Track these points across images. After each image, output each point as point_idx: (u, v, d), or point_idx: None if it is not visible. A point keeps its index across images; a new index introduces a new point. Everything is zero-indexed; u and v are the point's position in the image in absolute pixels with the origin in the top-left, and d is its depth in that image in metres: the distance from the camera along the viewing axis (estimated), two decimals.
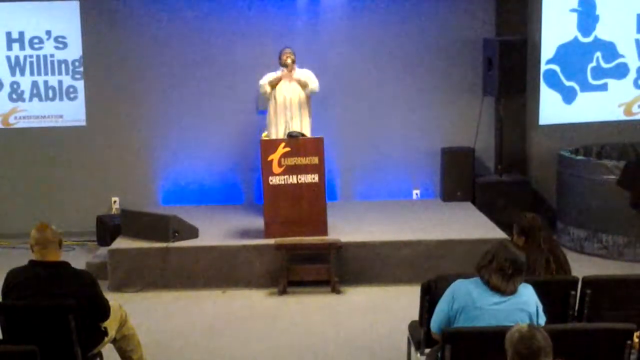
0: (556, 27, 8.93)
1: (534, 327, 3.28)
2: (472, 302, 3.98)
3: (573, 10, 8.95)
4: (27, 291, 4.40)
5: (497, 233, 7.28)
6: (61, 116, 8.98)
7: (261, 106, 8.09)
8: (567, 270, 4.92)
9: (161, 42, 8.80)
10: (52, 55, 8.88)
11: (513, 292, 3.98)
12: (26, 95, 8.92)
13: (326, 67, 8.52)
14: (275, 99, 7.67)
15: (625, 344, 3.87)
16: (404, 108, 8.94)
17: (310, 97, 7.79)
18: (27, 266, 4.50)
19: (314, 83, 7.70)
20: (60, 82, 8.92)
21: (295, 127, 7.56)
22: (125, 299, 6.45)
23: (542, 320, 3.99)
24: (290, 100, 7.65)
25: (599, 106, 9.06)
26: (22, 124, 8.98)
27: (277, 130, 7.64)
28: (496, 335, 3.47)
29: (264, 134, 7.66)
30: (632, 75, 9.05)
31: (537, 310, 4.02)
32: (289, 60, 7.66)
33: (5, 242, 8.54)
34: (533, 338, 3.18)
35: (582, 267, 6.54)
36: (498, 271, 3.97)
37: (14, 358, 3.86)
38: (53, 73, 8.91)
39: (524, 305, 3.95)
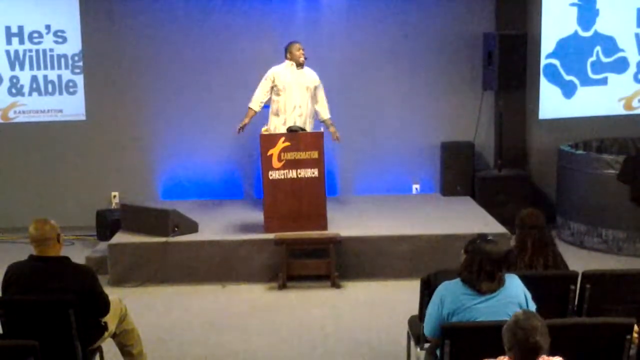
0: (556, 21, 8.92)
1: (528, 310, 3.43)
2: (461, 304, 3.98)
3: (573, 4, 8.94)
4: (27, 286, 4.40)
5: (497, 227, 7.28)
6: (61, 110, 8.98)
7: None
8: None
9: (161, 37, 8.79)
10: (51, 50, 8.87)
11: (501, 286, 3.99)
12: (25, 90, 8.92)
13: (326, 62, 8.51)
14: (285, 99, 7.63)
15: (624, 338, 3.87)
16: (404, 102, 8.94)
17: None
18: (27, 261, 4.50)
19: (327, 110, 7.85)
20: (59, 77, 8.92)
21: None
22: (125, 294, 6.46)
23: (532, 307, 3.99)
24: (301, 108, 7.63)
25: (598, 100, 9.06)
26: (21, 119, 8.97)
27: (281, 129, 7.60)
28: (494, 329, 3.48)
29: (263, 129, 7.64)
30: (632, 69, 9.05)
31: (526, 299, 4.03)
32: (302, 59, 7.64)
33: (5, 236, 8.54)
34: (528, 318, 3.29)
35: (581, 261, 6.58)
36: (480, 275, 3.97)
37: (14, 352, 3.86)
38: (52, 67, 8.90)
39: (513, 298, 3.96)
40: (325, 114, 7.83)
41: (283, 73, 7.66)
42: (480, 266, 3.97)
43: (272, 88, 7.69)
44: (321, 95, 7.81)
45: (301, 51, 7.66)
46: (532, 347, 3.25)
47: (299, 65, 7.67)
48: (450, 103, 8.94)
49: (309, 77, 7.73)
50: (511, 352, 3.31)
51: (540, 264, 4.76)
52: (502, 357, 3.36)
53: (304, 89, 7.67)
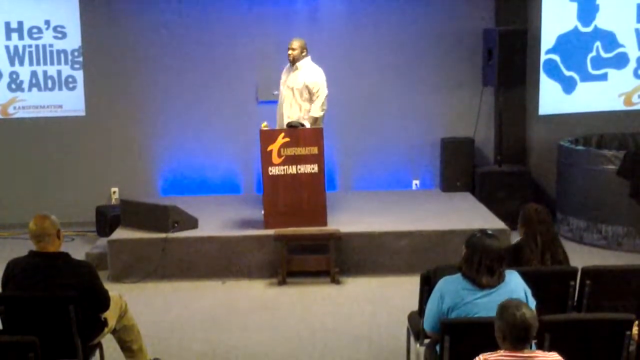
0: (556, 16, 8.91)
1: (520, 301, 3.48)
2: (461, 299, 3.99)
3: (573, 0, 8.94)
4: (27, 281, 4.41)
5: (497, 223, 7.28)
6: (60, 106, 8.97)
7: (261, 97, 8.07)
8: None
9: (161, 33, 8.78)
10: (51, 45, 8.86)
11: (501, 281, 4.00)
12: (25, 85, 8.91)
13: (326, 58, 8.48)
14: (279, 103, 7.63)
15: (624, 334, 3.87)
16: (404, 98, 8.93)
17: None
18: (27, 256, 4.50)
19: (315, 110, 7.38)
20: (59, 72, 8.91)
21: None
22: (125, 290, 6.46)
23: (532, 304, 3.99)
24: (289, 118, 7.42)
25: (598, 96, 9.05)
26: (21, 114, 8.97)
27: (277, 124, 7.58)
28: (493, 325, 3.47)
29: (263, 124, 7.64)
30: (632, 65, 9.04)
31: (526, 295, 4.03)
32: (290, 58, 7.46)
33: (5, 232, 8.54)
34: (511, 302, 3.41)
35: (581, 257, 6.57)
36: (480, 269, 3.97)
37: (14, 348, 3.87)
38: (52, 63, 8.89)
39: (512, 293, 3.95)
40: (312, 111, 7.41)
41: (283, 74, 7.63)
42: (480, 261, 3.98)
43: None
44: (317, 96, 7.39)
45: (289, 50, 7.44)
46: (521, 324, 3.29)
47: (292, 66, 7.48)
48: (450, 99, 8.94)
49: (301, 77, 7.43)
50: (505, 341, 3.33)
51: (550, 259, 4.76)
52: (498, 351, 3.37)
53: (292, 93, 7.44)
